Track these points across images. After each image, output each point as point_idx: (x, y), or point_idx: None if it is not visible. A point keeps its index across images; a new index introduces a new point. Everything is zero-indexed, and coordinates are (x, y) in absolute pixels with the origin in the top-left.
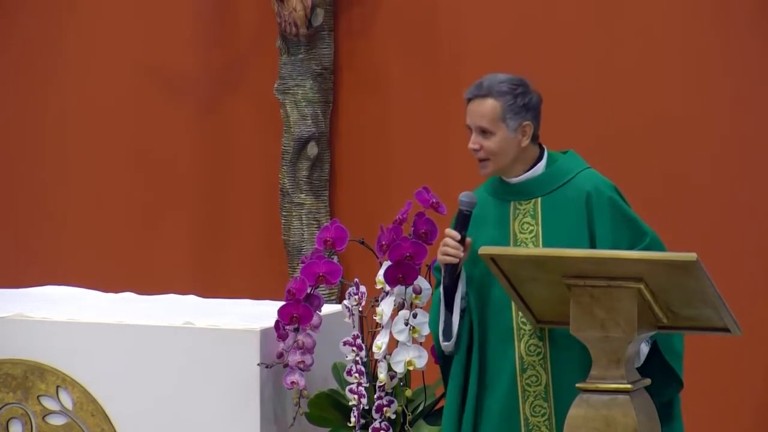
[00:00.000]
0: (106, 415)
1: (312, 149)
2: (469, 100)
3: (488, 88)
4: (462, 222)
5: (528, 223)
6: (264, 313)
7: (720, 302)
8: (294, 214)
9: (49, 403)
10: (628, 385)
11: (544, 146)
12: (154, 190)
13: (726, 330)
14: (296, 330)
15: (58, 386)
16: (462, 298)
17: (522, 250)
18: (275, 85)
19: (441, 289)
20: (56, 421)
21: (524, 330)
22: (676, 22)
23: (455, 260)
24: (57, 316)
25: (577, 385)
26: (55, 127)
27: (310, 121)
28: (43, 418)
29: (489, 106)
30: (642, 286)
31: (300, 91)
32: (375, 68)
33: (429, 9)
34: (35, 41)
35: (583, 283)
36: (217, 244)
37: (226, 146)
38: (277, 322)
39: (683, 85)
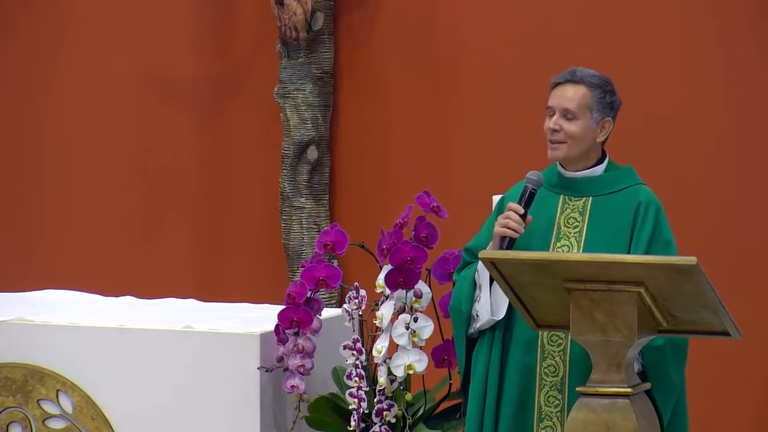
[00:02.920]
0: (106, 419)
1: (312, 153)
2: (559, 84)
3: (582, 76)
4: (527, 199)
5: (575, 218)
6: (264, 317)
7: (720, 306)
8: (294, 218)
9: (49, 407)
10: (628, 389)
11: (607, 153)
12: (155, 195)
13: (726, 334)
14: (296, 334)
15: (58, 390)
16: None
17: (523, 254)
18: (275, 89)
19: (480, 264)
20: (56, 425)
21: None
22: (676, 23)
23: (515, 234)
24: (57, 320)
25: (577, 389)
26: (56, 131)
27: (310, 125)
28: (43, 421)
29: (581, 92)
30: (642, 290)
31: (300, 95)
32: (375, 72)
33: (429, 13)
34: (35, 48)
35: (583, 287)
36: (217, 248)
37: (226, 150)
38: (277, 326)
39: (683, 87)
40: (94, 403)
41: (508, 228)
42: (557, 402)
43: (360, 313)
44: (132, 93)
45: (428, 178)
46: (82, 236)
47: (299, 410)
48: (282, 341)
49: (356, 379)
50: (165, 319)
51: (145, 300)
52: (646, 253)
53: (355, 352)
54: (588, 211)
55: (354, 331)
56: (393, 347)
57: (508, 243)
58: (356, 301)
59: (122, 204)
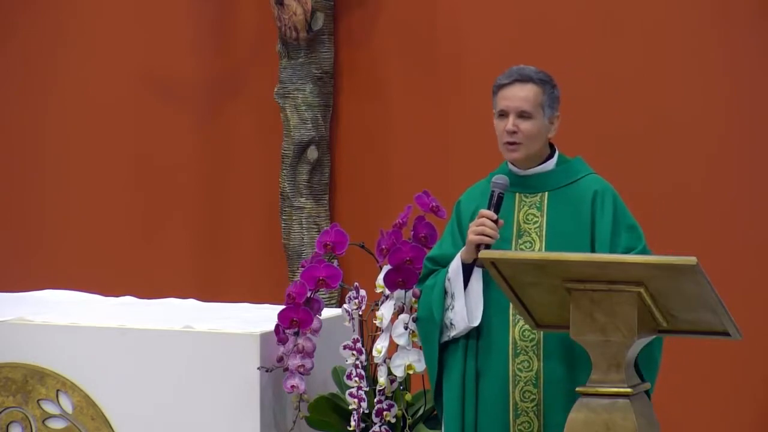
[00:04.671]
0: (106, 419)
1: (312, 153)
2: (506, 85)
3: (528, 75)
4: (497, 204)
5: (533, 214)
6: (264, 317)
7: (720, 306)
8: (294, 218)
9: (49, 407)
10: (628, 389)
11: (555, 146)
12: (155, 195)
13: (726, 334)
14: (296, 334)
15: (58, 390)
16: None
17: (523, 254)
18: (275, 90)
19: (451, 272)
20: (56, 424)
21: (519, 316)
22: (676, 23)
23: (491, 241)
24: (57, 320)
25: (577, 389)
26: (56, 131)
27: (310, 125)
28: (43, 421)
29: (532, 90)
30: (642, 290)
31: (300, 95)
32: (375, 72)
33: (429, 13)
34: (35, 48)
35: (583, 287)
36: (217, 248)
37: (227, 150)
38: (277, 326)
39: (683, 88)
40: (94, 403)
41: (485, 235)
42: (533, 397)
43: (360, 313)
44: (132, 93)
45: (428, 178)
46: (82, 236)
47: (299, 410)
48: (282, 341)
49: (356, 379)
50: (165, 319)
51: (145, 300)
52: (611, 239)
53: (355, 352)
54: (545, 206)
55: (354, 331)
56: (393, 347)
57: (483, 250)
58: (356, 301)
59: (122, 204)
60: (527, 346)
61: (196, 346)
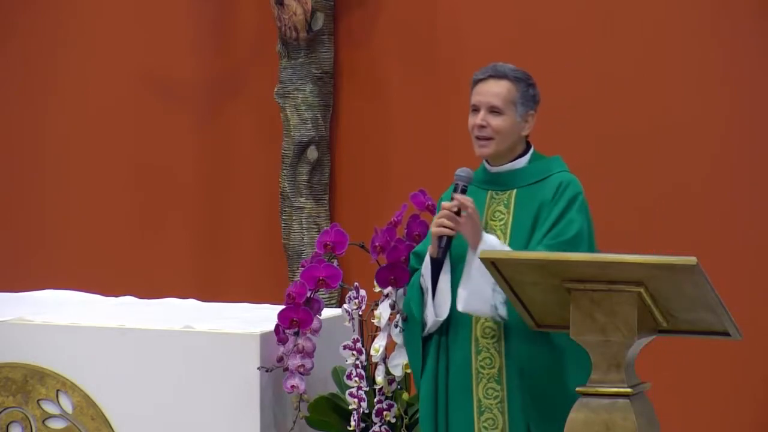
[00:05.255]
0: (106, 419)
1: (312, 153)
2: (481, 80)
3: (504, 71)
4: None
5: (500, 212)
6: (264, 317)
7: (720, 306)
8: (294, 218)
9: (49, 407)
10: (628, 389)
11: (531, 144)
12: (155, 195)
13: (726, 334)
14: (296, 334)
15: (58, 390)
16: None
17: (523, 254)
18: (275, 90)
19: (425, 266)
20: (56, 424)
21: None
22: (676, 23)
23: (452, 233)
24: (57, 320)
25: (577, 389)
26: (56, 133)
27: (310, 125)
28: (43, 421)
29: (505, 86)
30: (642, 290)
31: (300, 95)
32: (375, 72)
33: (429, 14)
34: (35, 48)
35: (583, 287)
36: (217, 248)
37: (226, 150)
38: (277, 326)
39: (683, 88)
40: (94, 403)
41: (444, 227)
42: (497, 394)
43: (360, 313)
44: (132, 93)
45: (428, 178)
46: (82, 236)
47: (299, 410)
48: (282, 341)
49: (356, 379)
50: (165, 319)
51: (145, 300)
52: (550, 228)
53: (355, 352)
54: (512, 203)
55: (354, 331)
56: (392, 346)
57: (446, 242)
58: (356, 301)
59: (122, 204)
60: (489, 343)
61: (196, 345)
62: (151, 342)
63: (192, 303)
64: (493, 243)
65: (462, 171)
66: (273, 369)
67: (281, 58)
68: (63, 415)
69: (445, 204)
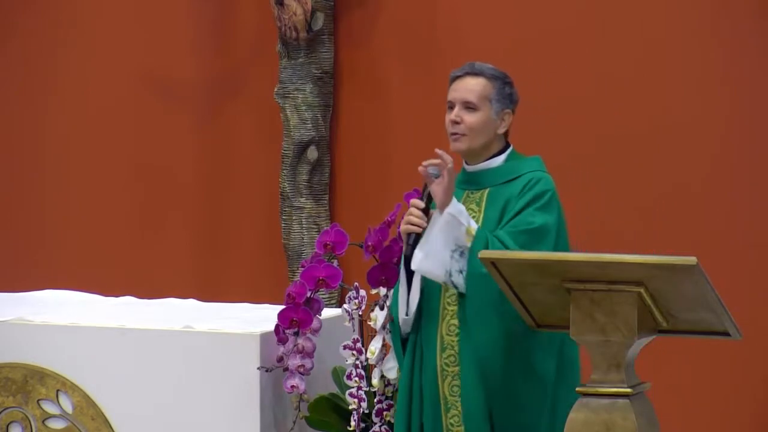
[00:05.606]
0: (106, 419)
1: (312, 153)
2: (458, 77)
3: (480, 69)
4: (428, 194)
5: (472, 210)
6: (264, 317)
7: (720, 306)
8: (294, 218)
9: (49, 407)
10: (628, 389)
11: (510, 144)
12: (155, 195)
13: (726, 334)
14: (296, 334)
15: (58, 390)
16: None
17: (523, 254)
18: (275, 90)
19: (403, 266)
20: (56, 425)
21: (447, 310)
22: (676, 23)
23: (418, 230)
24: (57, 321)
25: (577, 389)
26: (56, 133)
27: (310, 125)
28: (43, 422)
29: (480, 83)
30: (642, 290)
31: (300, 95)
32: (375, 72)
33: (429, 14)
34: (35, 48)
35: (583, 287)
36: (217, 248)
37: (227, 150)
38: (277, 326)
39: (683, 88)
40: (94, 403)
41: (411, 224)
42: (460, 390)
43: (360, 313)
44: (132, 93)
45: None
46: (82, 236)
47: (299, 410)
48: (282, 341)
49: (356, 379)
50: (165, 320)
51: (145, 300)
52: (511, 218)
53: (355, 352)
54: (484, 202)
55: (354, 331)
56: (388, 348)
57: (414, 239)
58: (356, 301)
59: (122, 204)
60: (453, 341)
61: (196, 345)
62: (151, 342)
63: (192, 303)
64: (460, 209)
65: (432, 169)
66: (273, 369)
67: (281, 58)
68: (63, 415)
69: (414, 202)
